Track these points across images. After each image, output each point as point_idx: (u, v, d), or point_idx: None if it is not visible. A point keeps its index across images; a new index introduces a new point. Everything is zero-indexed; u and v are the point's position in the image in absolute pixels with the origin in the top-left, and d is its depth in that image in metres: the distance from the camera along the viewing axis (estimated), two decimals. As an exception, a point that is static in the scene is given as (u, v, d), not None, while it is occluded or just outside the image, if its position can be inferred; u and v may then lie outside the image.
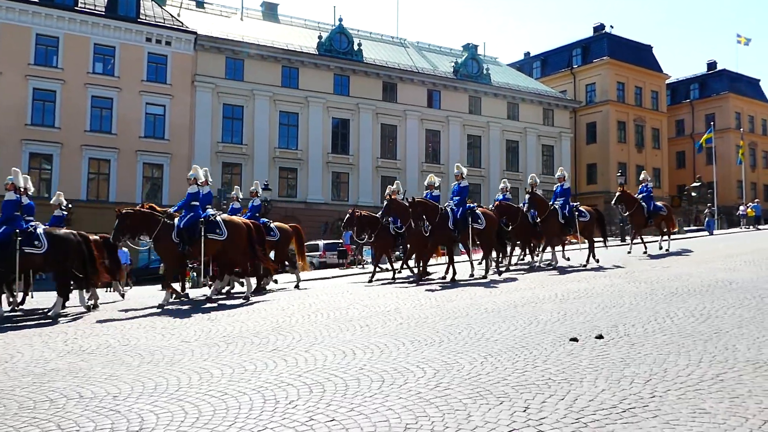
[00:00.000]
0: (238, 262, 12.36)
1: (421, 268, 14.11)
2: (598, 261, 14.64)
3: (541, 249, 15.70)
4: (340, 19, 43.63)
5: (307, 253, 30.78)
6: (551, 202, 15.36)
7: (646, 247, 16.67)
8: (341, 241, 28.40)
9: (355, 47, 42.96)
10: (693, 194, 48.20)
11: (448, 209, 13.57)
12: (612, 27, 56.64)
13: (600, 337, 6.16)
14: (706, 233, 30.23)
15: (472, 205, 14.21)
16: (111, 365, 6.19)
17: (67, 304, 11.29)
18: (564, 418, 3.91)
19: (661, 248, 17.01)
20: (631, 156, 53.76)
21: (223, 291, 13.37)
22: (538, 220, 15.00)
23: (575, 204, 15.82)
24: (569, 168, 50.46)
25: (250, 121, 38.80)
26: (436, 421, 3.95)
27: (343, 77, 42.21)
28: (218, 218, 11.67)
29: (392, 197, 13.92)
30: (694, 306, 7.65)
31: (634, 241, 17.37)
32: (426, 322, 7.66)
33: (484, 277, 13.37)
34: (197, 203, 11.71)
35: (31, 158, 33.26)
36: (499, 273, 13.97)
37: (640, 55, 56.07)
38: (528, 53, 63.52)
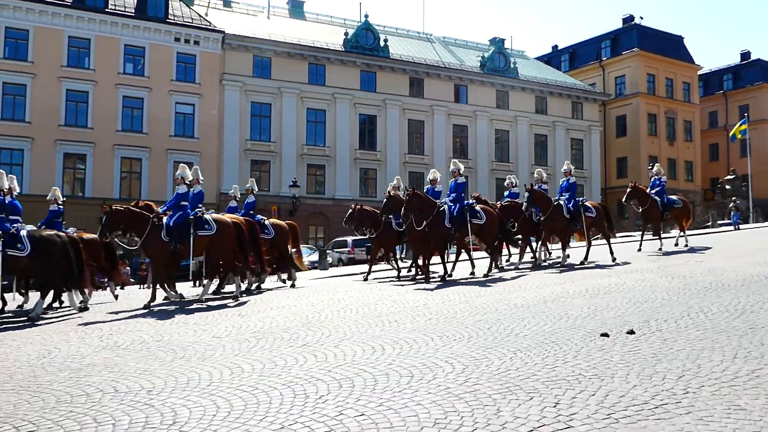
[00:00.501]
0: (224, 260, 12.15)
1: (425, 265, 13.50)
2: (614, 259, 13.97)
3: (541, 245, 15.19)
4: (366, 15, 43.73)
5: (336, 250, 31.15)
6: (557, 198, 14.82)
7: (641, 246, 16.20)
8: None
9: (381, 43, 42.97)
10: (727, 187, 47.27)
11: (445, 206, 13.06)
12: (642, 18, 55.87)
13: (631, 332, 6.09)
14: (732, 228, 29.35)
15: (470, 201, 13.78)
16: (145, 360, 6.30)
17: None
18: (595, 413, 3.87)
19: (676, 245, 16.40)
20: (663, 149, 52.92)
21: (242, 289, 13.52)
22: (542, 218, 14.33)
23: (581, 199, 15.30)
24: (599, 162, 49.95)
25: (278, 118, 39.06)
26: (466, 417, 3.95)
27: (369, 73, 42.25)
28: (206, 216, 11.61)
29: (392, 193, 13.67)
30: (729, 301, 7.50)
31: (646, 236, 16.67)
32: (455, 318, 7.66)
33: (485, 275, 13.04)
34: (186, 203, 11.62)
35: (66, 158, 34.02)
36: (488, 272, 13.34)
37: (670, 46, 55.11)
38: (556, 46, 62.87)
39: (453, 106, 44.75)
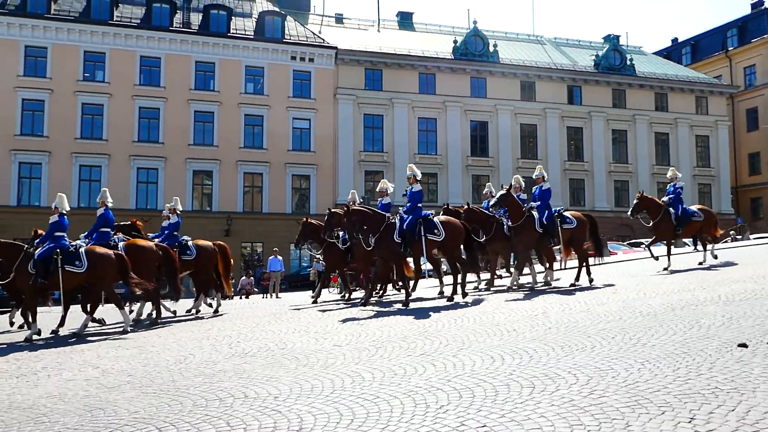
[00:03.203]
0: (107, 294, 11.37)
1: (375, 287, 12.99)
2: (591, 280, 12.43)
3: (520, 264, 13.33)
4: (475, 22, 43.52)
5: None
6: (529, 206, 13.00)
7: (669, 262, 13.76)
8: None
9: (491, 49, 42.61)
10: None
11: (397, 218, 11.78)
12: (774, 2, 51.76)
13: (773, 343, 5.65)
14: None
15: (427, 212, 12.19)
16: (271, 367, 6.59)
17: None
18: (736, 430, 3.63)
19: (701, 263, 13.94)
20: (802, 142, 48.70)
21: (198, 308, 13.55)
22: (509, 225, 12.61)
23: (559, 208, 13.33)
24: (727, 159, 46.68)
25: (390, 129, 39.68)
26: (592, 430, 3.82)
27: (479, 80, 42.00)
28: (81, 250, 10.82)
29: (332, 210, 12.97)
30: None
31: (654, 250, 14.44)
32: (576, 327, 7.42)
33: (450, 298, 11.68)
34: (62, 233, 10.99)
35: (195, 175, 36.34)
36: (463, 295, 11.82)
37: (808, 29, 50.70)
38: (676, 39, 59.53)
39: (566, 108, 43.51)
